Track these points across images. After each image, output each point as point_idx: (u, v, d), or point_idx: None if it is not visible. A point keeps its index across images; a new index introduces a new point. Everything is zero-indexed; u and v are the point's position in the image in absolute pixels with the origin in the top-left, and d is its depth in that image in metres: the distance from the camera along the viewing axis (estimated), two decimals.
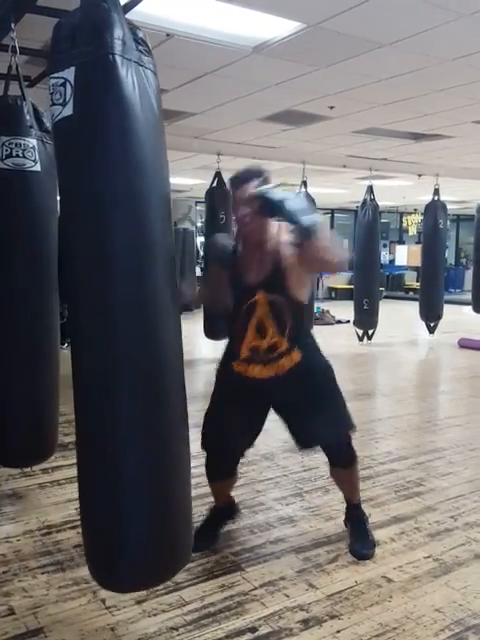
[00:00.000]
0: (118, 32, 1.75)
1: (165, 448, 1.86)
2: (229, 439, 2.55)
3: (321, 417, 2.45)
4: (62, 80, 1.76)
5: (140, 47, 1.83)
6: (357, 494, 2.77)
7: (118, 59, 1.73)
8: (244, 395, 2.45)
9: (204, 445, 2.57)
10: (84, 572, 2.45)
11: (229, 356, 2.49)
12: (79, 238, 1.81)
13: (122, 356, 1.77)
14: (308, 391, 2.44)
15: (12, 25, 2.51)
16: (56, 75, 1.78)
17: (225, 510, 2.83)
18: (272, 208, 2.09)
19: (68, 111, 1.76)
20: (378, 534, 2.82)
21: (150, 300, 1.81)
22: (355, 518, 2.75)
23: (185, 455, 1.98)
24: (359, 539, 2.68)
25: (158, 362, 1.82)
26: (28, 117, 2.72)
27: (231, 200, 2.36)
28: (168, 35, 3.55)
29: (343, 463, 2.66)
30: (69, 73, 1.75)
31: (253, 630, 2.12)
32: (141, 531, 1.80)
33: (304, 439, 2.54)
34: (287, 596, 2.32)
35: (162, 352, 1.84)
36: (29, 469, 3.47)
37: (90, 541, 1.88)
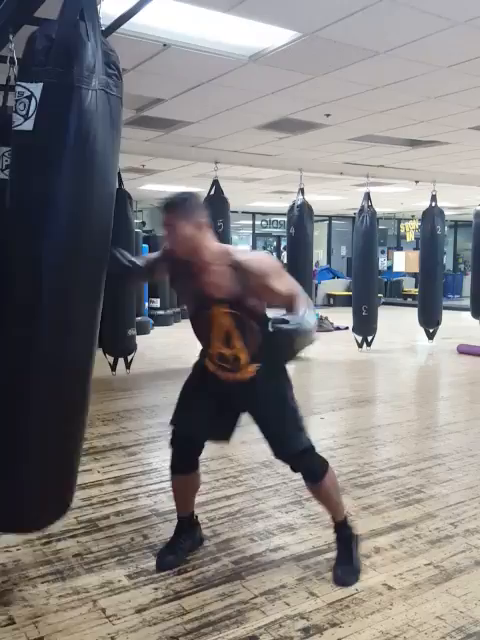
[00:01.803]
0: (88, 62, 1.84)
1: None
2: (192, 424, 2.52)
3: (275, 433, 2.45)
4: (29, 93, 1.87)
5: (110, 71, 1.91)
6: (339, 510, 2.56)
7: (83, 91, 1.83)
8: (213, 387, 2.49)
9: (172, 433, 2.58)
10: (84, 581, 2.45)
11: (203, 353, 2.55)
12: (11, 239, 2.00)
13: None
14: (261, 404, 2.43)
15: (10, 36, 2.52)
16: (24, 85, 1.88)
17: (184, 524, 2.71)
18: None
19: (28, 126, 1.88)
20: (378, 541, 2.82)
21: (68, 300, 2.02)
22: (341, 538, 2.56)
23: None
24: (341, 563, 2.53)
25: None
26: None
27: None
28: (165, 45, 3.58)
29: (310, 478, 2.49)
30: (37, 88, 1.86)
31: (253, 639, 2.11)
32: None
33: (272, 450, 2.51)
34: (287, 604, 2.32)
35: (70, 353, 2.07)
36: None
37: None
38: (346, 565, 2.52)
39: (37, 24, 2.60)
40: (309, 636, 2.13)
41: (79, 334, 2.07)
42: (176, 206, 2.26)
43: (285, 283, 2.30)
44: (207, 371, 2.51)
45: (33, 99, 1.85)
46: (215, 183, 7.12)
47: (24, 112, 1.88)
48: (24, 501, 2.11)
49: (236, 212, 12.78)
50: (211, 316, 2.36)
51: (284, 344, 2.21)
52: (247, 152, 6.95)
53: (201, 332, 2.47)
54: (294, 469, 2.49)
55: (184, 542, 2.68)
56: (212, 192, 7.15)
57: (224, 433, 2.60)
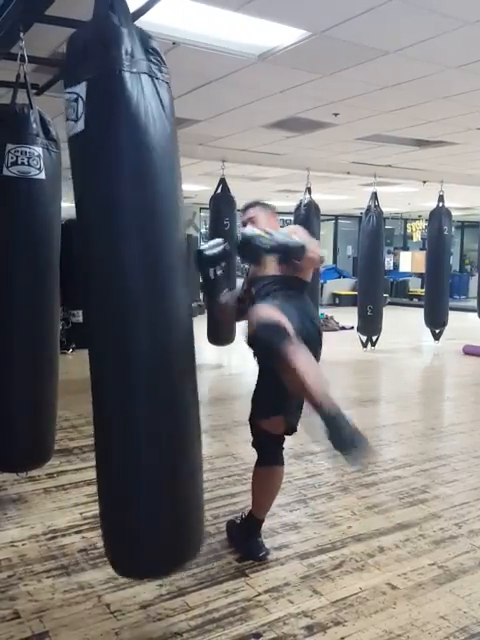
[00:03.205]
0: (126, 46, 1.80)
1: (177, 446, 1.97)
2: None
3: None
4: (75, 96, 1.82)
5: (151, 57, 1.86)
6: (256, 505, 2.64)
7: (125, 74, 1.78)
8: None
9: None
10: (89, 576, 2.46)
11: None
12: (92, 250, 1.88)
13: (137, 362, 1.87)
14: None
15: (21, 34, 2.53)
16: (70, 90, 1.83)
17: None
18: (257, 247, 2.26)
19: (80, 127, 1.83)
20: (382, 541, 2.82)
21: (164, 305, 1.90)
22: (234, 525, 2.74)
23: (196, 452, 2.08)
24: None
25: (171, 367, 1.93)
26: (34, 125, 2.75)
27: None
28: (174, 43, 3.58)
29: (258, 458, 2.60)
30: (81, 88, 1.80)
31: (257, 636, 2.12)
32: (155, 523, 1.93)
33: None
34: (291, 602, 2.32)
35: (175, 358, 1.94)
36: (34, 474, 3.48)
37: (110, 537, 2.01)
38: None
39: (48, 22, 2.63)
40: (312, 634, 2.14)
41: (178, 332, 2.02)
42: (262, 206, 2.78)
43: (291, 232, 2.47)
44: None
45: (79, 100, 1.80)
46: (222, 182, 7.13)
47: (74, 116, 1.82)
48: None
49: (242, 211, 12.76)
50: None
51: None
52: (254, 151, 6.94)
53: None
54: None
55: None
56: (219, 191, 7.15)
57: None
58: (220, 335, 6.90)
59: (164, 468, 1.92)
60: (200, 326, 7.40)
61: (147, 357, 1.87)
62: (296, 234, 2.42)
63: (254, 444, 2.63)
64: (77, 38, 1.87)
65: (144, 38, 1.88)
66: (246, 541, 2.67)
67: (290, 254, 2.30)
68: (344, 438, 2.02)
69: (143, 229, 1.84)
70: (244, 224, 2.71)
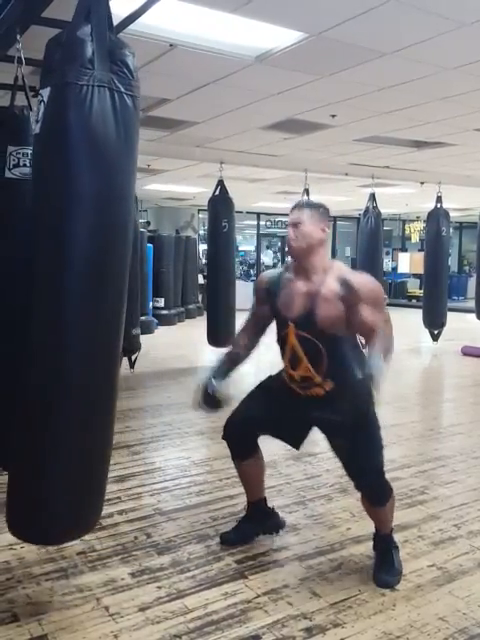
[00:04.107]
0: (85, 58, 1.81)
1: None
2: (248, 409, 2.59)
3: (352, 450, 2.42)
4: (42, 98, 1.89)
5: (118, 70, 1.87)
6: (388, 525, 2.58)
7: (79, 87, 1.81)
8: (287, 393, 2.51)
9: (225, 425, 2.66)
10: (88, 579, 2.46)
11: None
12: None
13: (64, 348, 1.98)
14: (338, 416, 2.31)
15: (18, 36, 2.54)
16: (41, 92, 1.91)
17: (255, 509, 2.78)
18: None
19: (37, 129, 1.91)
20: None
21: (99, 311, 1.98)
22: (383, 546, 2.57)
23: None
24: (383, 570, 2.50)
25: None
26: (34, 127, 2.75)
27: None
28: (171, 45, 3.58)
29: (373, 501, 2.51)
30: (46, 93, 1.88)
31: (256, 638, 2.11)
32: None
33: (344, 466, 2.52)
34: (290, 604, 2.32)
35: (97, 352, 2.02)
36: None
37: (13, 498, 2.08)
38: (389, 567, 2.51)
39: (45, 25, 2.63)
40: (312, 636, 2.13)
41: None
42: (310, 207, 2.41)
43: (377, 316, 2.32)
44: (285, 382, 2.52)
45: (42, 103, 1.87)
46: (220, 183, 7.12)
47: (37, 117, 1.91)
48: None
49: (241, 212, 12.77)
50: (286, 334, 2.41)
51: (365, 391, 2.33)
52: (252, 152, 6.96)
53: (281, 351, 2.50)
54: (357, 488, 2.51)
55: (246, 525, 2.77)
56: (217, 192, 7.15)
57: (293, 438, 2.63)
58: (220, 337, 6.89)
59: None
60: (199, 328, 7.42)
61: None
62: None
63: (372, 489, 2.50)
64: (52, 42, 1.91)
65: (114, 50, 1.88)
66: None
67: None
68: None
69: (85, 246, 1.91)
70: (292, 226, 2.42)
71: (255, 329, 2.61)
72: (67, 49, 1.84)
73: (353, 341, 2.43)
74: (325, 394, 2.40)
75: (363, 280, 2.37)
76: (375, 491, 2.49)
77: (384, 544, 2.57)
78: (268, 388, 2.61)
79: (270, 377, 2.65)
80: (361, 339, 2.44)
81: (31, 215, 2.00)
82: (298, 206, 2.42)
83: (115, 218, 1.96)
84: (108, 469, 2.20)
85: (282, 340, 2.45)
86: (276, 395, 2.55)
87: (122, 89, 1.88)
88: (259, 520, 2.78)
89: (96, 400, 2.03)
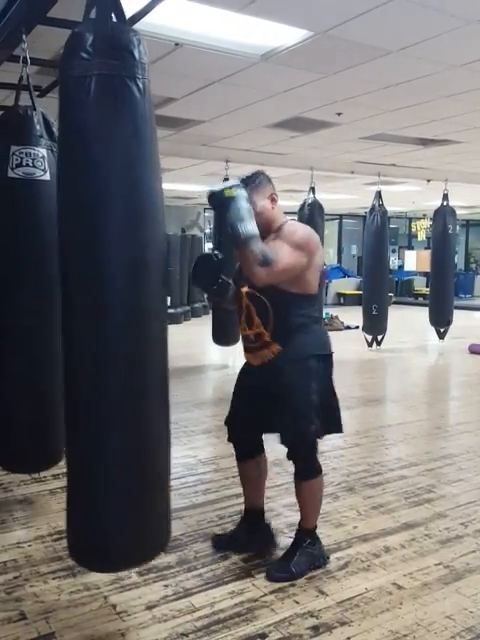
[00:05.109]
0: (85, 48, 1.78)
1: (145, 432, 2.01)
2: (237, 421, 2.65)
3: (283, 414, 2.45)
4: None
5: (119, 54, 1.79)
6: (311, 518, 2.58)
7: (81, 79, 1.78)
8: (247, 380, 2.61)
9: (228, 429, 2.71)
10: (95, 577, 2.46)
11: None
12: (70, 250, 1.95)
13: (110, 354, 1.89)
14: (279, 383, 2.44)
15: (23, 36, 2.54)
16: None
17: (248, 518, 2.75)
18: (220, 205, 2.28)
19: (56, 131, 1.93)
20: (388, 541, 2.82)
21: (137, 305, 1.92)
22: (296, 542, 2.57)
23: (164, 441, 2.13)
24: (281, 559, 2.55)
25: (142, 359, 1.97)
26: (38, 127, 2.75)
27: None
28: (177, 44, 3.58)
29: (300, 473, 2.53)
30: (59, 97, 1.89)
31: (263, 636, 2.12)
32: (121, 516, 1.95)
33: (276, 433, 2.53)
34: (297, 602, 2.32)
35: (146, 350, 1.98)
36: (40, 475, 3.49)
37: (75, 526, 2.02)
38: (284, 561, 2.53)
39: (50, 24, 2.64)
40: (318, 634, 2.13)
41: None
42: (249, 183, 2.43)
43: (283, 250, 2.34)
44: (247, 365, 2.61)
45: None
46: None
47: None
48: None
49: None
50: (240, 295, 2.51)
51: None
52: (258, 151, 6.95)
53: (238, 315, 2.58)
54: (289, 457, 2.54)
55: (237, 532, 2.74)
56: None
57: (269, 425, 2.60)
58: (225, 335, 6.89)
59: (130, 465, 1.95)
60: (205, 327, 7.42)
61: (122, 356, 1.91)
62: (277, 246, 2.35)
63: (302, 468, 2.54)
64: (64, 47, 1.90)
65: (116, 37, 1.82)
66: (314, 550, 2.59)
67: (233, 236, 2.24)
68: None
69: (121, 230, 1.86)
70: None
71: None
72: (68, 44, 1.83)
73: (302, 307, 2.46)
74: (273, 360, 2.45)
75: (294, 226, 2.53)
76: (300, 461, 2.52)
77: (296, 537, 2.59)
78: (239, 379, 2.67)
79: (239, 373, 2.70)
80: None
81: (58, 217, 1.96)
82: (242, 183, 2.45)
83: (145, 211, 1.90)
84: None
85: (239, 302, 2.54)
86: (245, 383, 2.62)
87: (124, 74, 1.80)
88: (248, 530, 2.72)
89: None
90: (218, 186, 2.30)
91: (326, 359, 2.51)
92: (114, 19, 1.83)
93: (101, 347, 1.88)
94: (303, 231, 2.50)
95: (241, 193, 2.24)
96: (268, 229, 2.45)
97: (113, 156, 1.82)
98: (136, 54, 1.83)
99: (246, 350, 2.56)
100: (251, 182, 2.44)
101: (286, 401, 2.43)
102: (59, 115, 1.86)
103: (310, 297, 2.49)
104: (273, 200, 2.50)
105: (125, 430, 1.93)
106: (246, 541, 2.69)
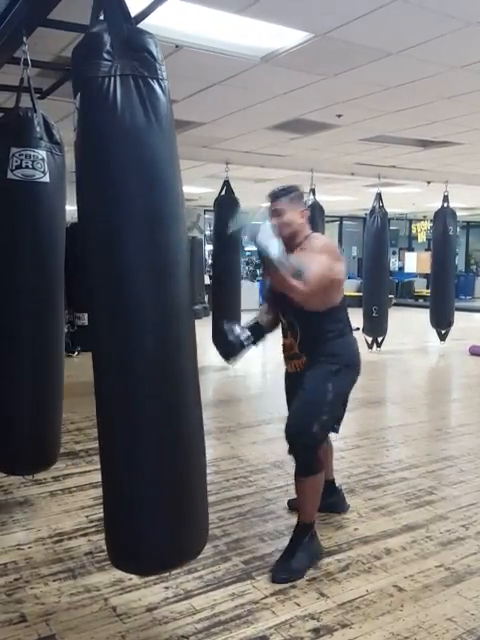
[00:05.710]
0: (105, 50, 1.76)
1: (181, 446, 1.94)
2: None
3: (294, 408, 2.62)
4: (75, 106, 1.84)
5: (138, 55, 1.80)
6: (308, 514, 2.63)
7: (102, 80, 1.76)
8: (286, 384, 2.87)
9: None
10: (95, 579, 2.46)
11: None
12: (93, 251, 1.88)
13: (139, 366, 1.84)
14: (301, 380, 2.62)
15: (24, 38, 2.54)
16: (74, 100, 1.85)
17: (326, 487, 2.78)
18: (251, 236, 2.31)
19: (74, 137, 1.85)
20: (389, 543, 2.81)
21: (167, 305, 1.88)
22: (294, 536, 2.63)
23: (200, 453, 2.05)
24: (282, 559, 2.58)
25: (174, 366, 1.90)
26: (38, 129, 2.75)
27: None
28: (177, 46, 3.59)
29: (300, 470, 2.58)
30: (77, 100, 1.84)
31: (264, 639, 2.11)
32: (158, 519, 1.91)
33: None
34: (298, 605, 2.32)
35: (179, 358, 1.91)
36: (40, 477, 3.49)
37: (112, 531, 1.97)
38: (285, 561, 2.56)
39: (51, 26, 2.64)
40: (319, 637, 2.13)
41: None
42: (286, 195, 2.60)
43: (313, 260, 2.40)
44: (286, 371, 2.84)
45: (76, 110, 1.84)
46: (226, 184, 7.13)
47: (74, 126, 1.86)
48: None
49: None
50: (280, 313, 2.73)
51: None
52: (258, 153, 6.95)
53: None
54: (289, 451, 2.59)
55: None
56: (223, 193, 7.16)
57: None
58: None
59: (168, 468, 1.90)
60: (205, 327, 7.41)
61: (150, 357, 1.85)
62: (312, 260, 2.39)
63: (302, 464, 2.60)
64: (75, 50, 1.88)
65: (133, 38, 1.82)
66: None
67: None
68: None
69: (142, 230, 1.82)
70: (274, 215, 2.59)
71: (270, 309, 2.83)
72: (84, 47, 1.81)
73: (325, 322, 2.62)
74: (303, 369, 2.65)
75: (317, 238, 2.65)
76: (301, 457, 2.57)
77: (295, 534, 2.64)
78: (284, 381, 2.91)
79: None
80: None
81: (79, 216, 1.95)
82: (274, 195, 2.62)
83: (166, 207, 1.88)
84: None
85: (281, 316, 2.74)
86: (286, 386, 2.88)
87: (147, 74, 1.81)
88: (325, 497, 2.79)
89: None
90: (239, 222, 2.39)
91: (351, 367, 2.70)
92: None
93: (133, 352, 1.85)
94: (326, 239, 2.73)
95: (255, 217, 2.37)
96: (293, 241, 2.55)
97: (141, 156, 1.81)
98: (156, 54, 1.85)
99: (284, 357, 2.78)
100: (288, 193, 2.60)
101: (301, 395, 2.59)
102: (79, 116, 1.82)
103: (332, 311, 2.63)
104: (302, 216, 2.63)
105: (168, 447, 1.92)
106: (322, 506, 2.78)
